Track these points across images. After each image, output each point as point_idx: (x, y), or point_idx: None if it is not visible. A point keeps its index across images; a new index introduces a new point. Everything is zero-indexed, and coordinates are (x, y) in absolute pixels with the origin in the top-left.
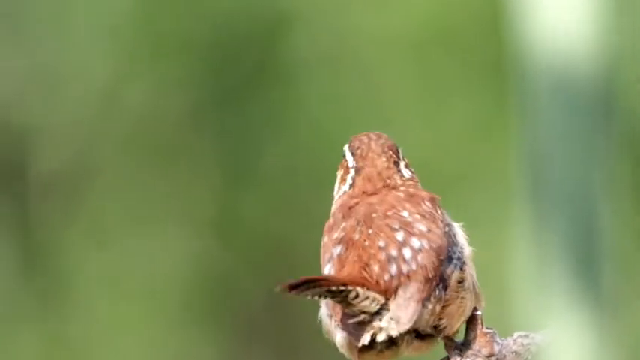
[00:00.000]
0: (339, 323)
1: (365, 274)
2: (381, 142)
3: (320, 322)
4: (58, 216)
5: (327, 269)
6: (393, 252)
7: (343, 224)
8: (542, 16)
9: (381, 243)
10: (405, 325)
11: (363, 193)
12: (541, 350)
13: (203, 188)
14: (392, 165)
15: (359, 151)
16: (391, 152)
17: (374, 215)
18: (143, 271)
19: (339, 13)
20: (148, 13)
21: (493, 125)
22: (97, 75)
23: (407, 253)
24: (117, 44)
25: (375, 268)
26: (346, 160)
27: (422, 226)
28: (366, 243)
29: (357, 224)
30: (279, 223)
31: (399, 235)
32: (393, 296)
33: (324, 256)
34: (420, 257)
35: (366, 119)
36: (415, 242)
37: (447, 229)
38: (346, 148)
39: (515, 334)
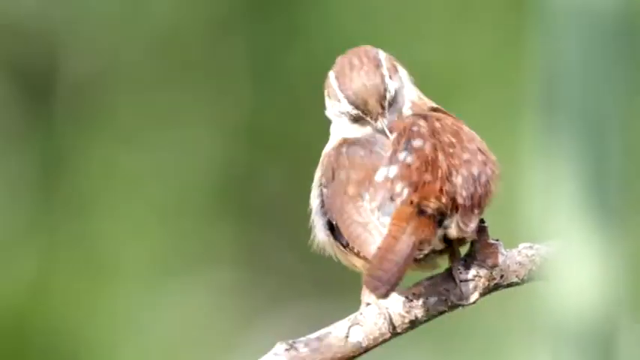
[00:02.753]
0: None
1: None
2: (371, 77)
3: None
4: (85, 122)
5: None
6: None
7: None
8: None
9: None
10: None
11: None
12: (546, 262)
13: (229, 94)
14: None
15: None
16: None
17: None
18: (168, 172)
19: None
20: None
21: (512, 40)
22: None
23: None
24: None
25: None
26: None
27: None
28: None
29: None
30: (304, 128)
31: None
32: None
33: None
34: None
35: (390, 28)
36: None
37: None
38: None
39: (520, 246)
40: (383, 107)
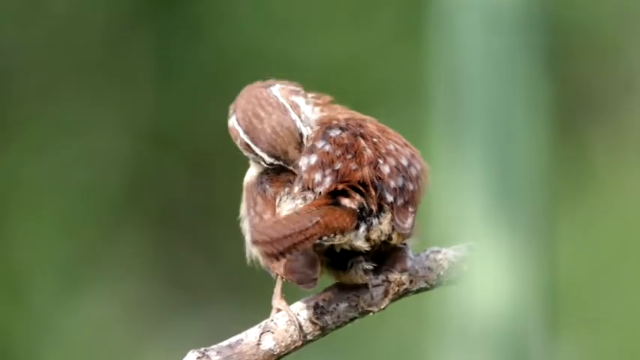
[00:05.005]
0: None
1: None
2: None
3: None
4: None
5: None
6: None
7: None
8: None
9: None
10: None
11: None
12: (454, 266)
13: (134, 95)
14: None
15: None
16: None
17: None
18: (75, 180)
19: None
20: None
21: (415, 39)
22: None
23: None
24: None
25: None
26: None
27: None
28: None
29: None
30: (205, 130)
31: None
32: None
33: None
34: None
35: (288, 25)
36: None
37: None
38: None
39: (428, 250)
40: (301, 151)
